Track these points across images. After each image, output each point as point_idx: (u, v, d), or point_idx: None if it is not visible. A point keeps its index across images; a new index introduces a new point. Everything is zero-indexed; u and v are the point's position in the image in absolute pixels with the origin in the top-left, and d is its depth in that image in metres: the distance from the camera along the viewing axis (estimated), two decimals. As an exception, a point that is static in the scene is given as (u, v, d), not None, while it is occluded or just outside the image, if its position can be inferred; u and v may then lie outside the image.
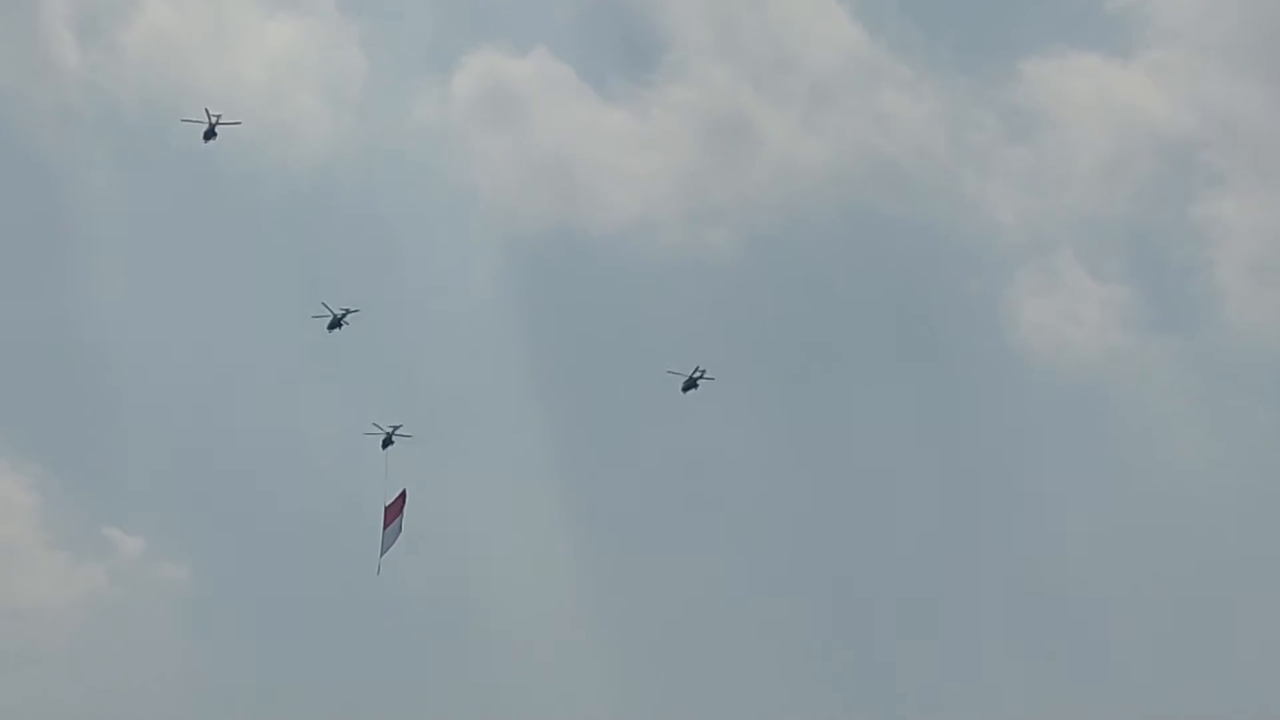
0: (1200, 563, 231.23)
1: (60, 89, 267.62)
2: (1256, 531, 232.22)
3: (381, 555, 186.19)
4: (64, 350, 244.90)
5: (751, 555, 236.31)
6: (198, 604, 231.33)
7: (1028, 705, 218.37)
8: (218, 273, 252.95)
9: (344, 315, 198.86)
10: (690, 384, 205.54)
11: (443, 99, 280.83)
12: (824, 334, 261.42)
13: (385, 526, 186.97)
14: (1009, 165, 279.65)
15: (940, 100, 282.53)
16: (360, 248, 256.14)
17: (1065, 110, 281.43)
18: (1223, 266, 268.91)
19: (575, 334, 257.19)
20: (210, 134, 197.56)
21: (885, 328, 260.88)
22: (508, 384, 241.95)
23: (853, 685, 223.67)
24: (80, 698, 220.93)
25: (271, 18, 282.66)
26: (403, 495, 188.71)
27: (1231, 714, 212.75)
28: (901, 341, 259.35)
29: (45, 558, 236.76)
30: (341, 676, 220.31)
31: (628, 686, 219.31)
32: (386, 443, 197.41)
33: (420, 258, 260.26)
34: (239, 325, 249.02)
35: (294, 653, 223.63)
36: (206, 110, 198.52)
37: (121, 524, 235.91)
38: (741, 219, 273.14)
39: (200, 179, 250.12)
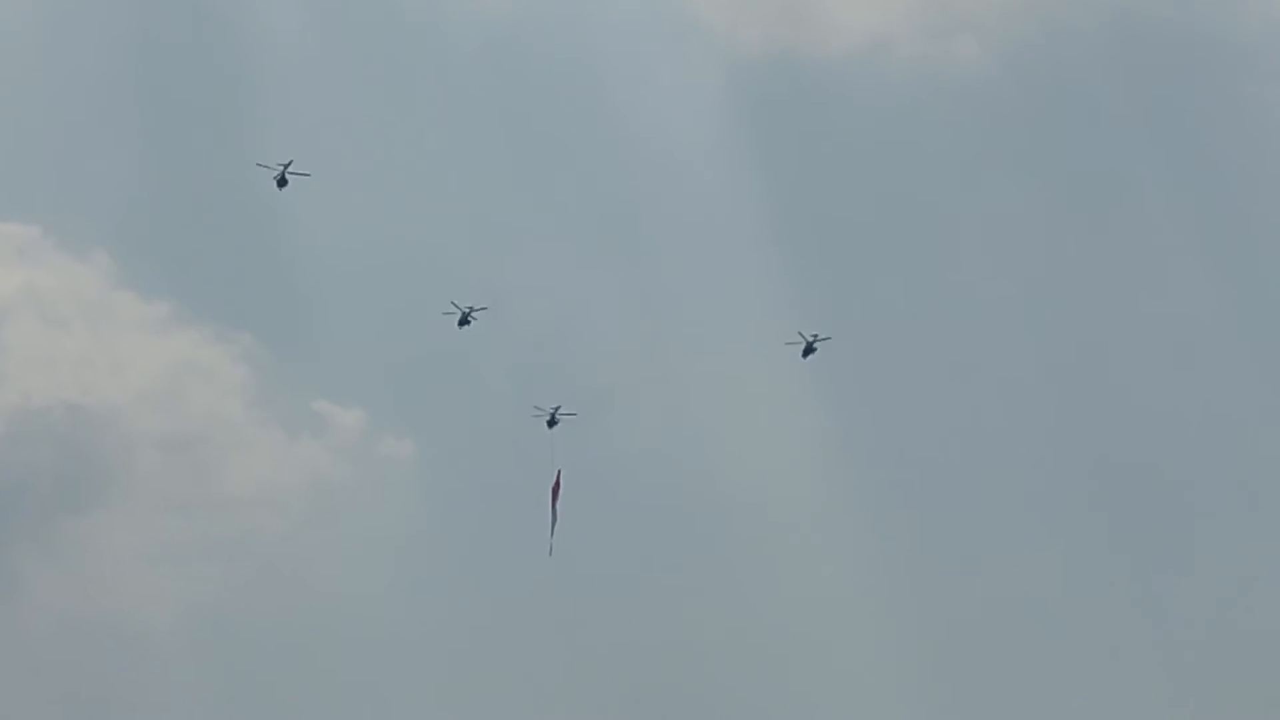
0: None
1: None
2: None
3: (551, 536, 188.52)
4: (263, 210, 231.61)
5: (1019, 421, 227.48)
6: (427, 483, 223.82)
7: None
8: (413, 128, 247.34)
9: (470, 312, 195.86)
10: (809, 349, 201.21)
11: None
12: (1090, 159, 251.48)
13: (553, 506, 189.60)
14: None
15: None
16: (563, 87, 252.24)
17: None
18: None
19: (806, 171, 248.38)
20: (282, 182, 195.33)
21: (1160, 147, 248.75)
22: (734, 231, 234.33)
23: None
24: (305, 590, 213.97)
25: None
26: (558, 475, 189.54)
27: None
28: (1179, 163, 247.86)
29: (260, 437, 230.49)
30: (588, 556, 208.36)
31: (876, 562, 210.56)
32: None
33: (630, 94, 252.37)
34: (443, 181, 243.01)
35: (531, 532, 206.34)
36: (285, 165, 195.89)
37: (335, 397, 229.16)
38: (992, 28, 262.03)
39: (383, 31, 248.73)
